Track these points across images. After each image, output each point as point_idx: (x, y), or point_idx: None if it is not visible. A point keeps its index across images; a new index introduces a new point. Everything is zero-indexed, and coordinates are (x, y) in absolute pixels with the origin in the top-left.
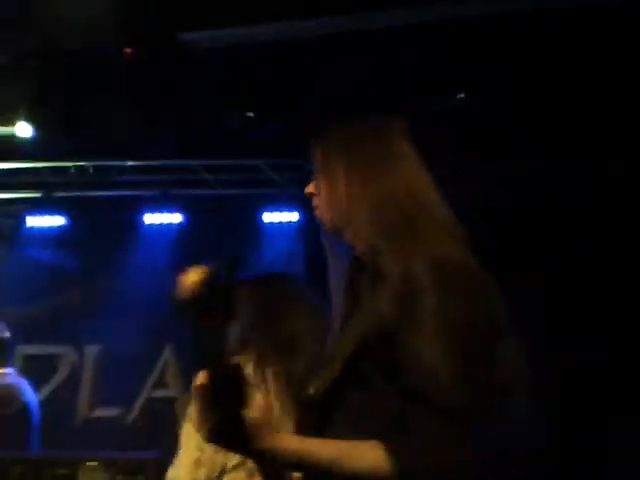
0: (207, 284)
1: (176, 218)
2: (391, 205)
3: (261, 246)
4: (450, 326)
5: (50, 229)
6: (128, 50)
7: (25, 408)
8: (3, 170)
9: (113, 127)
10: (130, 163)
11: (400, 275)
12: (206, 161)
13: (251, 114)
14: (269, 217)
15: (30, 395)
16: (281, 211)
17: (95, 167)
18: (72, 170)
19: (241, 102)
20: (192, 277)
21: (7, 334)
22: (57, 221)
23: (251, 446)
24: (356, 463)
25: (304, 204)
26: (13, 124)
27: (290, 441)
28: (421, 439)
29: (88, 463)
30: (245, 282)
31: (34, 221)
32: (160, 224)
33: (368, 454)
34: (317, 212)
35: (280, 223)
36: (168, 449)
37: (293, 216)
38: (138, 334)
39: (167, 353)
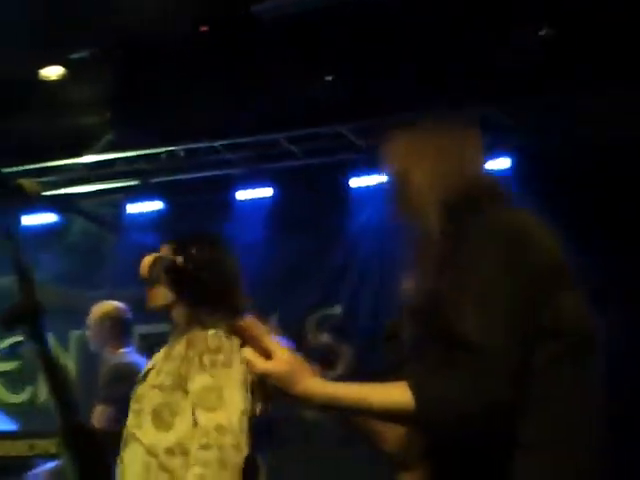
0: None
1: (267, 192)
2: (456, 192)
3: (351, 210)
4: (482, 278)
5: (149, 214)
6: (204, 28)
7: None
8: (100, 162)
9: (197, 109)
10: (218, 143)
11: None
12: (290, 132)
13: (329, 78)
14: (357, 182)
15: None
16: (369, 174)
17: (185, 150)
18: (163, 156)
19: (319, 68)
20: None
21: (130, 315)
22: (155, 206)
23: (290, 392)
24: (383, 399)
25: None
26: (103, 117)
27: (321, 385)
28: (442, 375)
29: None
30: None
31: (134, 208)
32: (252, 199)
33: (393, 391)
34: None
35: (368, 187)
36: None
37: (381, 178)
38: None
39: (272, 323)
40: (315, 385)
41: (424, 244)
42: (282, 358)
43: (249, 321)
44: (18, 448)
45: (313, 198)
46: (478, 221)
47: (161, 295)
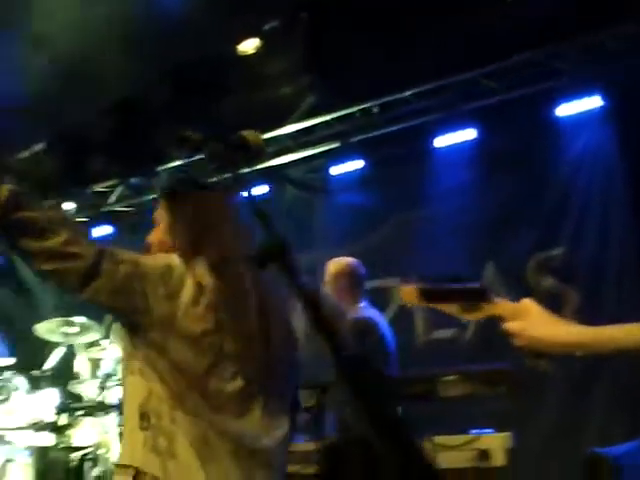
0: None
1: (468, 135)
2: None
3: (562, 142)
4: None
5: (352, 174)
6: None
7: (382, 337)
8: (301, 130)
9: (387, 61)
10: (410, 92)
11: None
12: (484, 68)
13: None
14: (565, 110)
15: (384, 325)
16: (577, 99)
17: (379, 106)
18: (358, 114)
19: None
20: None
21: (363, 270)
22: (357, 165)
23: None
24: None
25: (606, 87)
26: (299, 84)
27: (574, 331)
28: None
29: (445, 378)
30: None
31: (337, 170)
32: (452, 145)
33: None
34: None
35: (579, 113)
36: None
37: (594, 102)
38: (457, 257)
39: (490, 270)
40: (568, 331)
41: None
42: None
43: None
44: None
45: (519, 134)
46: None
47: None
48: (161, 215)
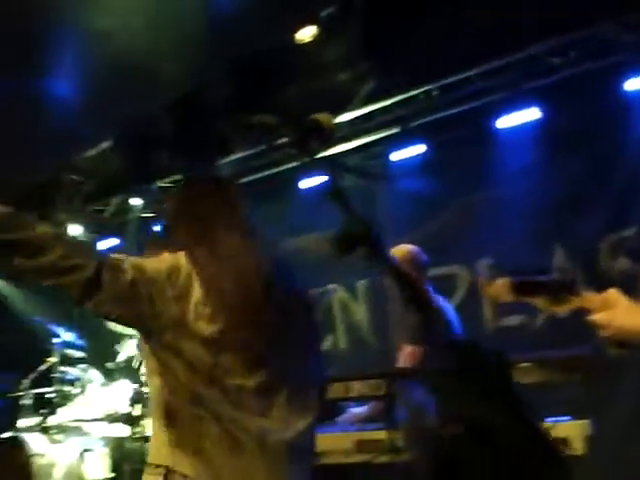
0: None
1: (532, 114)
2: None
3: (631, 118)
4: None
5: (414, 159)
6: None
7: (448, 324)
8: (360, 117)
9: (447, 41)
10: (471, 72)
11: None
12: (546, 44)
13: None
14: (634, 84)
15: (450, 312)
16: None
17: (439, 87)
18: (420, 97)
19: None
20: None
21: (425, 257)
22: (418, 150)
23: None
24: None
25: None
26: (357, 71)
27: None
28: None
29: (521, 365)
30: None
31: (398, 155)
32: (516, 125)
33: None
34: None
35: None
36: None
37: None
38: (524, 240)
39: (559, 255)
40: None
41: None
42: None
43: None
44: (335, 391)
45: (585, 112)
46: None
47: None
48: (167, 213)
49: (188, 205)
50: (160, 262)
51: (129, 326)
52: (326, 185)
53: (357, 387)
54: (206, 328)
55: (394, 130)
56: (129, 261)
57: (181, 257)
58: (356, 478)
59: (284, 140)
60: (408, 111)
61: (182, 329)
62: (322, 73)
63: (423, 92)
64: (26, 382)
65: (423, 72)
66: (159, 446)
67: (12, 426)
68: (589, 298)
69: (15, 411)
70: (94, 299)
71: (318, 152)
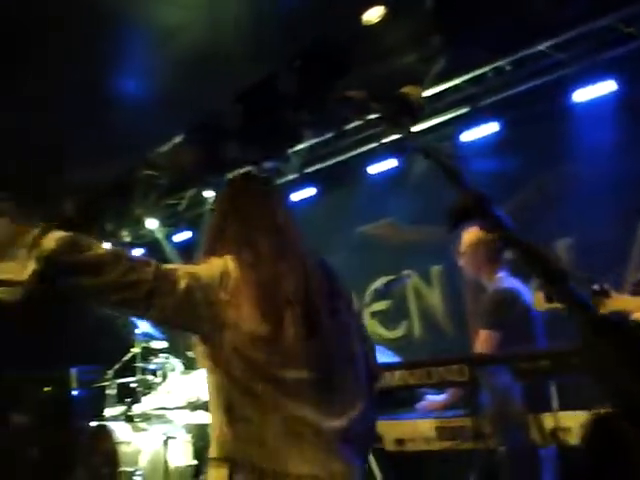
0: None
1: (609, 86)
2: None
3: None
4: None
5: (486, 138)
6: None
7: (526, 308)
8: (429, 97)
9: (516, 14)
10: (543, 45)
11: None
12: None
13: None
14: None
15: (528, 295)
16: None
17: (511, 62)
18: (490, 74)
19: None
20: None
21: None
22: (491, 129)
23: None
24: None
25: None
26: (426, 50)
27: None
28: None
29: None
30: None
31: (469, 135)
32: (593, 99)
33: None
34: None
35: None
36: None
37: None
38: (603, 218)
39: None
40: None
41: None
42: None
43: None
44: (415, 377)
45: None
46: None
47: None
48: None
49: (235, 208)
50: (212, 267)
51: (189, 331)
52: (435, 158)
53: (439, 372)
54: (258, 328)
55: (464, 109)
56: (182, 268)
57: (229, 261)
58: (437, 465)
59: (354, 125)
60: (479, 89)
61: (236, 330)
62: (391, 54)
63: (495, 68)
64: (111, 373)
65: (494, 48)
66: (222, 441)
67: (99, 415)
68: (622, 300)
69: (101, 400)
70: (155, 310)
71: (409, 127)
